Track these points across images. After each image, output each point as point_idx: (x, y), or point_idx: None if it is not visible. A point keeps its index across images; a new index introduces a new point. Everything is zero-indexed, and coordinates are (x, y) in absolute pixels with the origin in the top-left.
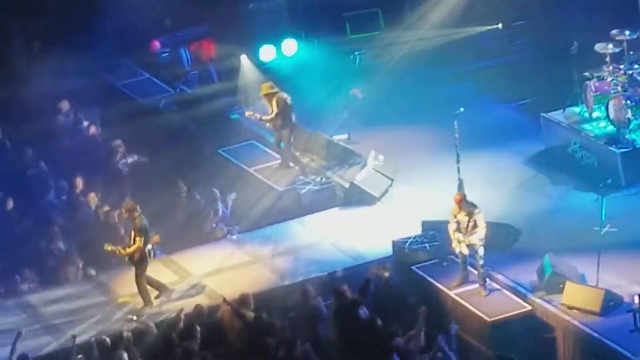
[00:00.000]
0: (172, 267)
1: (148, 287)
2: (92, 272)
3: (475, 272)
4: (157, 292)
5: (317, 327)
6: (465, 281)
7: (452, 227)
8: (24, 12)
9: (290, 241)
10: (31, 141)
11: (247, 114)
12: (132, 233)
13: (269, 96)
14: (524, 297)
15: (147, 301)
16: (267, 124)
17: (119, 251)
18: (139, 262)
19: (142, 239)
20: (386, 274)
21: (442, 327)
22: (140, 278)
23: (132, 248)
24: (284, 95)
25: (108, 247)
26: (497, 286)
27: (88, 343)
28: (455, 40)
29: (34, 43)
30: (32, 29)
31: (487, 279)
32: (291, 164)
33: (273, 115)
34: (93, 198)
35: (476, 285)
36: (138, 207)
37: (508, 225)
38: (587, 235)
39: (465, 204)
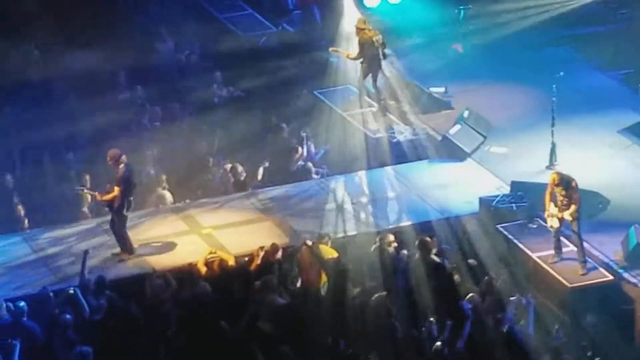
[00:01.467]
0: (257, 204)
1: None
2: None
3: (570, 244)
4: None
5: (396, 275)
6: (560, 258)
7: (548, 199)
8: None
9: (378, 189)
10: (130, 66)
11: (330, 49)
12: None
13: (357, 32)
14: (606, 267)
15: (130, 250)
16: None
17: (96, 196)
18: (118, 211)
19: (121, 189)
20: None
21: (521, 288)
22: (119, 227)
23: (109, 196)
24: (372, 33)
25: (82, 191)
26: (594, 263)
27: (164, 272)
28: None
29: None
30: None
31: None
32: (387, 113)
33: (356, 54)
34: (185, 129)
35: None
36: (124, 157)
37: (597, 194)
38: None
39: (562, 181)
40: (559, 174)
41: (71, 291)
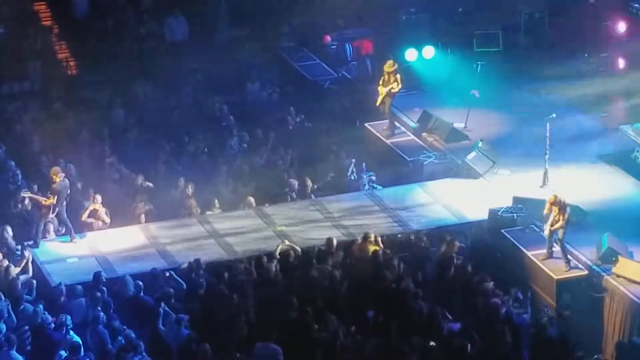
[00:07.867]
0: (319, 209)
1: None
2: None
3: (557, 247)
4: None
5: (425, 267)
6: (549, 257)
7: (546, 214)
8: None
9: (411, 199)
10: (225, 100)
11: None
12: None
13: (394, 72)
14: (584, 264)
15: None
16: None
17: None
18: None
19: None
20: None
21: (520, 280)
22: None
23: (48, 202)
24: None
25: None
26: (575, 261)
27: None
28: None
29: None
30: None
31: (569, 256)
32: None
33: (399, 88)
34: (264, 150)
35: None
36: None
37: (579, 207)
38: (638, 222)
39: (558, 203)
40: (556, 196)
41: (167, 274)
